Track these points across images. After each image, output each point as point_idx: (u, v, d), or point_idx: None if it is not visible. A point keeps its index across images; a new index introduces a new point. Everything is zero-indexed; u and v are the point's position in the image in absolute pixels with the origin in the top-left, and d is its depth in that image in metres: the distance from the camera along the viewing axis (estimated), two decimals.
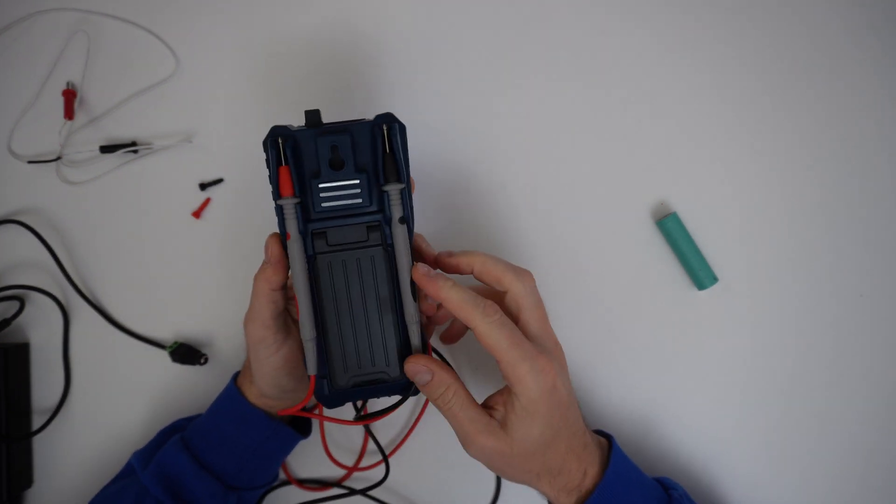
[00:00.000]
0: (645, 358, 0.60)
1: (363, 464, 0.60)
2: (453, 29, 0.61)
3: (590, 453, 0.47)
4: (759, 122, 0.60)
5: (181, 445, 0.51)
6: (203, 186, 0.60)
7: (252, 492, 0.54)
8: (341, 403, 0.47)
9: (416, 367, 0.44)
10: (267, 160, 0.44)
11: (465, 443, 0.45)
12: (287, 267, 0.45)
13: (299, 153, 0.44)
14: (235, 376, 0.54)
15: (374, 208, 0.45)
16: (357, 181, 0.44)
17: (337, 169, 0.44)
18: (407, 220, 0.45)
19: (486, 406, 0.45)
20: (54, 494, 0.59)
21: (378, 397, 0.47)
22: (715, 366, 0.60)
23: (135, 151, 0.60)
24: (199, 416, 0.56)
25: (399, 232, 0.44)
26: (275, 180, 0.43)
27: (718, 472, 0.59)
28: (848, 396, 0.59)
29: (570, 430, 0.45)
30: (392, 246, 0.45)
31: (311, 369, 0.45)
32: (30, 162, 0.60)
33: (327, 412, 0.55)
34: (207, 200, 0.60)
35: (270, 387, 0.50)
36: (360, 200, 0.44)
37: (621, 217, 0.60)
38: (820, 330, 0.60)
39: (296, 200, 0.43)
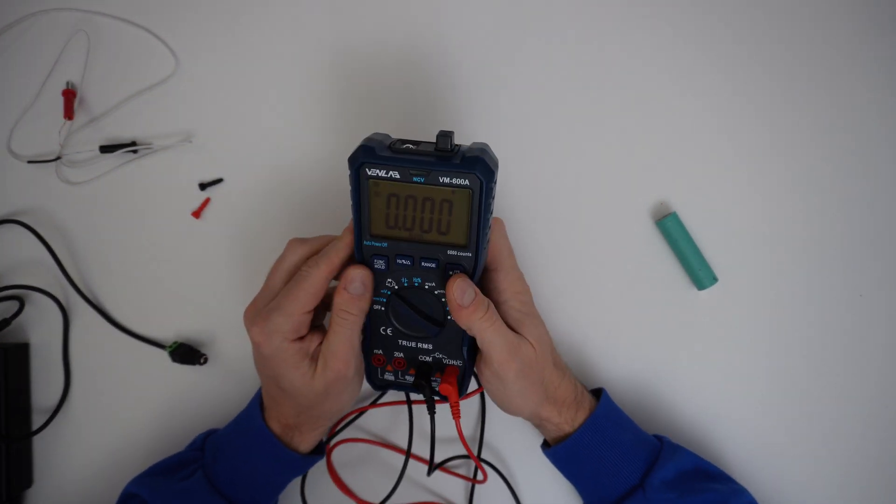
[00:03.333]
0: (645, 358, 0.60)
1: None
2: (447, 28, 0.61)
3: (582, 391, 0.53)
4: (760, 122, 0.60)
5: (210, 489, 0.49)
6: (203, 186, 0.60)
7: None
8: None
9: (464, 285, 0.43)
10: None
11: (508, 358, 0.46)
12: None
13: None
14: (259, 411, 0.51)
15: None
16: None
17: None
18: None
19: None
20: (54, 494, 0.59)
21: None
22: (715, 366, 0.60)
23: (135, 151, 0.60)
24: (198, 443, 0.54)
25: None
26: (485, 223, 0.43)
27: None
28: (848, 396, 0.59)
29: (555, 357, 0.52)
30: None
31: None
32: (30, 162, 0.60)
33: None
34: (207, 200, 0.60)
35: (336, 416, 0.50)
36: None
37: (621, 217, 0.60)
38: (820, 330, 0.59)
39: None
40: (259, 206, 0.60)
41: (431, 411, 0.49)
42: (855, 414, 0.59)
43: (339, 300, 0.45)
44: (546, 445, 0.54)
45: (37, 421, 0.59)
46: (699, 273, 0.58)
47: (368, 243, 0.44)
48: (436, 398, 0.49)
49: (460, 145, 0.43)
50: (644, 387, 0.60)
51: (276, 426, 0.50)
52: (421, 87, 0.61)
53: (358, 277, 0.44)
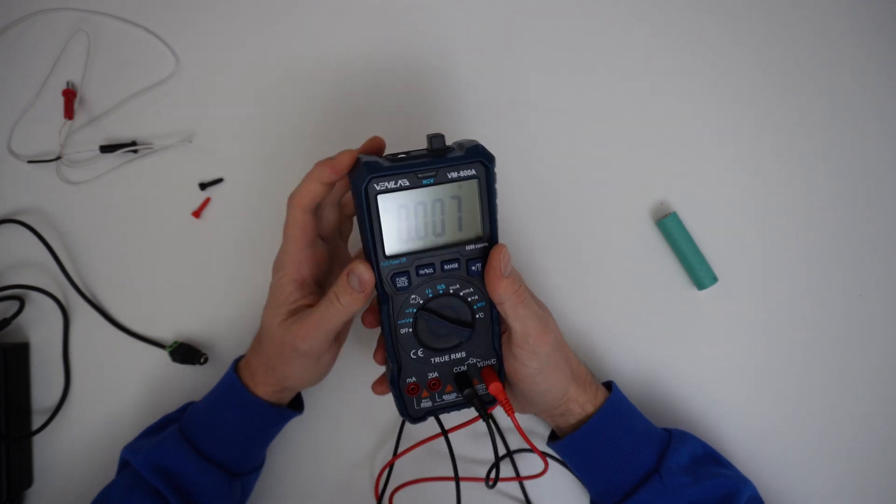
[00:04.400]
0: (645, 358, 0.60)
1: None
2: (448, 31, 0.61)
3: (592, 373, 0.53)
4: (760, 123, 0.61)
5: (180, 438, 0.51)
6: (203, 186, 0.60)
7: (253, 474, 0.54)
8: None
9: (508, 254, 0.44)
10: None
11: (542, 330, 0.46)
12: None
13: None
14: (235, 365, 0.53)
15: None
16: None
17: None
18: None
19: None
20: (54, 494, 0.59)
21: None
22: (715, 366, 0.60)
23: (135, 151, 0.60)
24: (186, 406, 0.55)
25: None
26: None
27: None
28: (848, 396, 0.59)
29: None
30: None
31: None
32: (30, 162, 0.60)
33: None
34: (207, 200, 0.60)
35: (316, 379, 0.51)
36: None
37: (621, 217, 0.60)
38: (819, 330, 0.60)
39: None
40: (259, 206, 0.60)
41: (486, 418, 0.47)
42: (854, 412, 0.59)
43: (336, 285, 0.44)
44: (552, 439, 0.54)
45: (37, 421, 0.59)
46: (699, 273, 0.58)
47: (386, 264, 0.43)
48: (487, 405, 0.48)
49: (450, 145, 0.44)
50: (644, 386, 0.60)
51: (242, 367, 0.52)
52: (422, 88, 0.61)
53: (357, 272, 0.42)
